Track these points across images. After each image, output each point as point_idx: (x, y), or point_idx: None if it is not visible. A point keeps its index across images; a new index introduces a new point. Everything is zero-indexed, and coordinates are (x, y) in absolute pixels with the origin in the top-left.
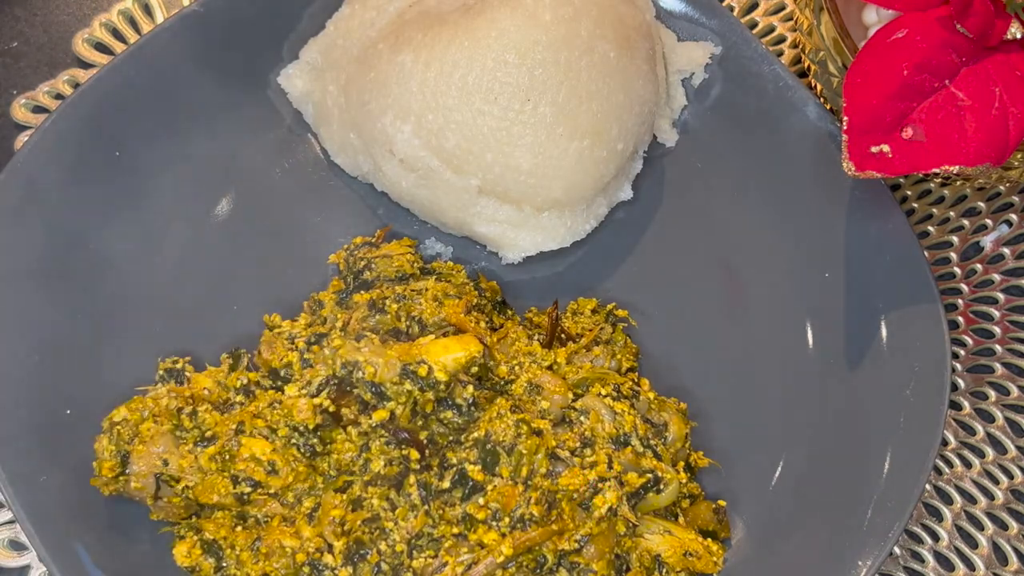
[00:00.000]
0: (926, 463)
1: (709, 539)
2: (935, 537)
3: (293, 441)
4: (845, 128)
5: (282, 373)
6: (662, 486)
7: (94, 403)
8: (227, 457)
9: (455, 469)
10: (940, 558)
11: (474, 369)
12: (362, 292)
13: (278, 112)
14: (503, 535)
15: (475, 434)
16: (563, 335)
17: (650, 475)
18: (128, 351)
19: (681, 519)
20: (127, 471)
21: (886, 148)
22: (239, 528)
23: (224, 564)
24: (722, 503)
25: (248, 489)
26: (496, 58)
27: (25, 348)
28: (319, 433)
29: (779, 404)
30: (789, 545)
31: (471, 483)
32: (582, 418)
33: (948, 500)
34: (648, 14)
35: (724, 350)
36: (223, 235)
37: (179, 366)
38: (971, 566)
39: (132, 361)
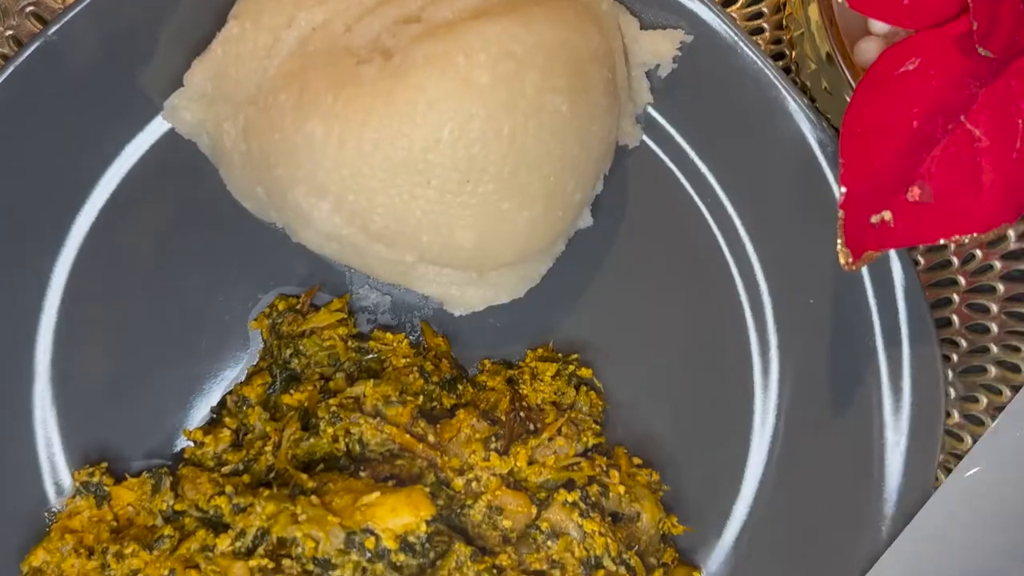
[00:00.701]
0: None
1: None
2: None
3: None
4: (842, 201)
5: (210, 513)
6: None
7: (6, 522)
8: None
9: None
10: None
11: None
12: (291, 391)
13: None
14: None
15: None
16: (523, 415)
17: None
18: (35, 451)
19: None
20: None
21: (887, 216)
22: None
23: None
24: (697, 573)
25: None
26: (426, 137)
27: None
28: None
29: (758, 441)
30: None
31: None
32: (549, 542)
33: None
34: (602, 14)
35: (697, 386)
36: (127, 301)
37: (96, 478)
38: None
39: (42, 463)
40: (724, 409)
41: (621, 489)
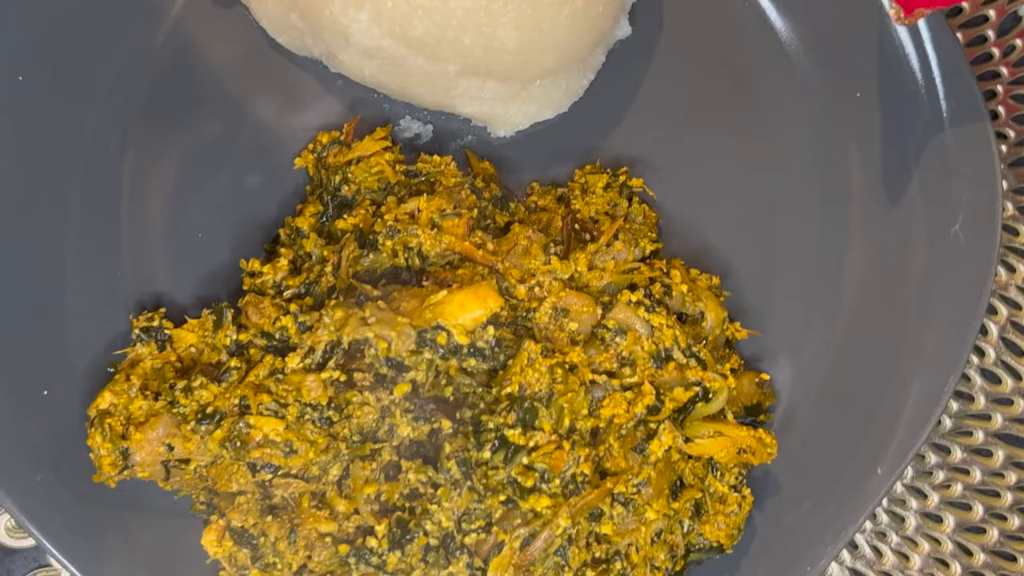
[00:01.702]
0: (979, 305)
1: (760, 430)
2: (980, 354)
3: (307, 417)
4: None
5: (276, 336)
6: (710, 396)
7: (70, 374)
8: (238, 443)
9: (493, 435)
10: (986, 374)
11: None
12: (344, 216)
13: None
14: (554, 496)
15: (508, 389)
16: (577, 226)
17: (697, 388)
18: (92, 302)
19: (730, 415)
20: (129, 464)
21: None
22: (269, 518)
23: (260, 554)
24: (765, 376)
25: (268, 476)
26: None
27: None
28: (333, 404)
29: (815, 244)
30: (841, 386)
31: (512, 447)
32: (618, 339)
33: (992, 311)
34: None
35: (749, 193)
36: (165, 150)
37: (155, 323)
38: (1018, 376)
39: (100, 314)
40: (782, 215)
41: (684, 288)
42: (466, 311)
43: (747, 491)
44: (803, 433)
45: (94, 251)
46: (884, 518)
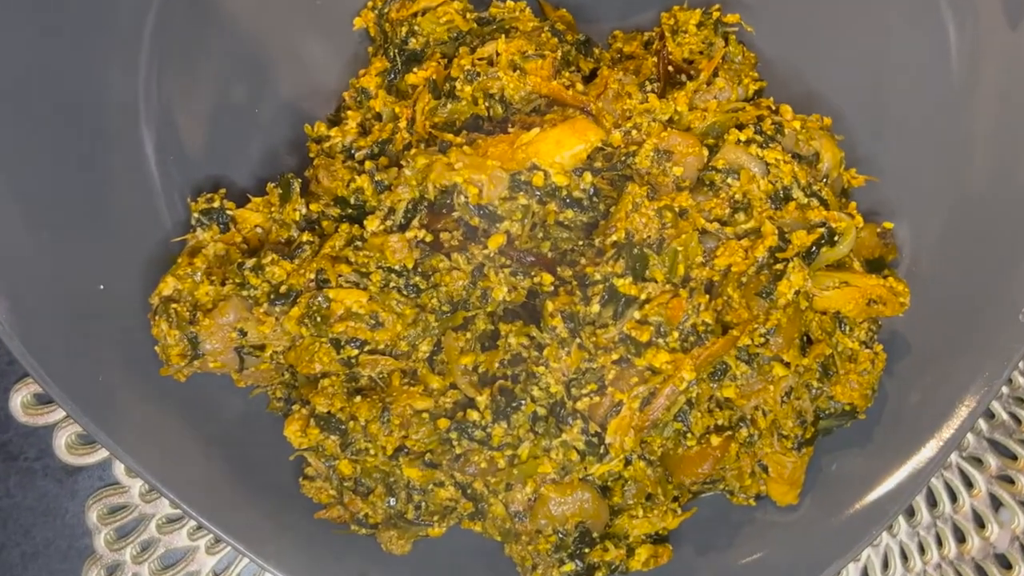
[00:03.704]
0: None
1: (890, 278)
2: None
3: (391, 284)
4: None
5: (352, 200)
6: (836, 238)
7: (126, 266)
8: (318, 319)
9: (602, 287)
10: None
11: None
12: (414, 69)
13: None
14: (673, 351)
15: (613, 237)
16: (671, 67)
17: (822, 229)
18: (144, 190)
19: (856, 263)
20: (200, 352)
21: None
22: (358, 399)
23: (351, 440)
24: (888, 224)
25: (355, 352)
26: None
27: (30, 226)
28: (419, 269)
29: (934, 83)
30: (968, 234)
31: (623, 299)
32: (729, 180)
33: None
34: None
35: (856, 31)
36: (214, 24)
37: (216, 204)
38: None
39: (153, 203)
40: (894, 52)
41: (796, 124)
42: (564, 148)
43: (879, 347)
44: (930, 288)
45: (142, 135)
46: (1021, 381)
